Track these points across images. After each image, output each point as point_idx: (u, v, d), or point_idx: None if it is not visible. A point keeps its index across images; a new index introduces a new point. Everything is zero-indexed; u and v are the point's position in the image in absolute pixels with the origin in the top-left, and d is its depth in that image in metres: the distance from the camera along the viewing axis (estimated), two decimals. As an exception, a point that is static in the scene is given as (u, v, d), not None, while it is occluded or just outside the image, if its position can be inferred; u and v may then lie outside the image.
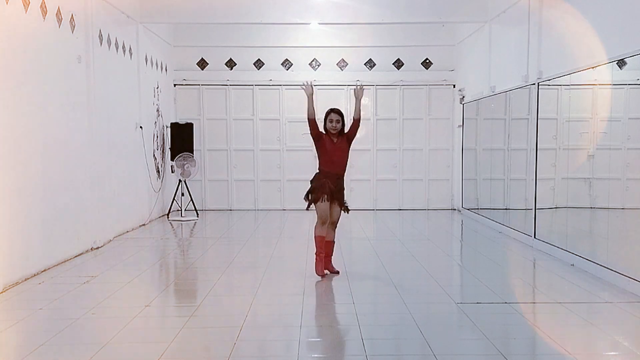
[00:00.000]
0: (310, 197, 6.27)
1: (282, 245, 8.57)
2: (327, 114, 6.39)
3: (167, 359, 3.95)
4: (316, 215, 6.32)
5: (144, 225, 10.20)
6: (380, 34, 12.22)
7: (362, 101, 6.48)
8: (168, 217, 11.23)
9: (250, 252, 8.04)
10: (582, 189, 7.02)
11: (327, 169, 6.28)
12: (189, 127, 11.50)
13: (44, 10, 6.70)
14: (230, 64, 12.56)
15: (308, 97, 6.30)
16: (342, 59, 12.58)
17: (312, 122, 6.27)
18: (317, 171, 6.39)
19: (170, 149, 11.40)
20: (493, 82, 9.94)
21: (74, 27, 7.49)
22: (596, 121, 6.77)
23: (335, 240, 6.45)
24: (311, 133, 6.31)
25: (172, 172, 11.26)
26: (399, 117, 12.53)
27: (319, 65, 12.57)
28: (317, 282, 6.12)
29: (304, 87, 6.37)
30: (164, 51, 11.75)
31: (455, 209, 12.48)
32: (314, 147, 6.37)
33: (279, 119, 12.54)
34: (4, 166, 5.82)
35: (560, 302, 5.28)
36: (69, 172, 7.29)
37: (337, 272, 6.37)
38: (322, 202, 6.19)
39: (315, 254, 6.30)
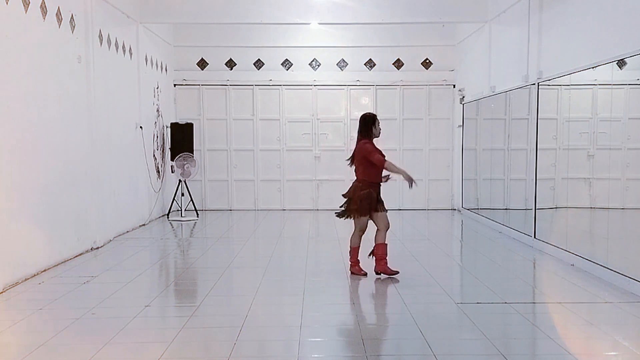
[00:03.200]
0: (354, 208, 6.15)
1: (282, 245, 8.57)
2: (375, 118, 6.25)
3: (167, 359, 3.95)
4: (376, 223, 6.24)
5: (144, 225, 10.20)
6: (380, 34, 12.22)
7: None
8: (168, 217, 11.23)
9: (250, 252, 8.04)
10: (582, 189, 7.02)
11: (374, 180, 6.19)
12: (189, 127, 11.50)
13: (44, 10, 6.70)
14: (230, 64, 12.56)
15: (403, 174, 6.12)
16: (342, 59, 12.58)
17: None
18: (357, 183, 6.18)
19: (170, 149, 11.40)
20: (493, 82, 9.94)
21: (74, 27, 7.49)
22: (596, 121, 6.77)
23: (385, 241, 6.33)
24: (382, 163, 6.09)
25: (172, 172, 11.26)
26: (399, 117, 12.52)
27: (319, 65, 12.57)
28: (317, 282, 6.12)
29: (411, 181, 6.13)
30: (164, 51, 11.75)
31: (455, 209, 12.48)
32: (373, 156, 6.05)
33: (279, 119, 12.54)
34: (4, 166, 5.82)
35: (560, 302, 5.28)
36: (69, 172, 7.29)
37: (396, 272, 6.23)
38: (364, 215, 6.18)
39: (354, 263, 6.33)
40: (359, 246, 6.37)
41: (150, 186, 10.64)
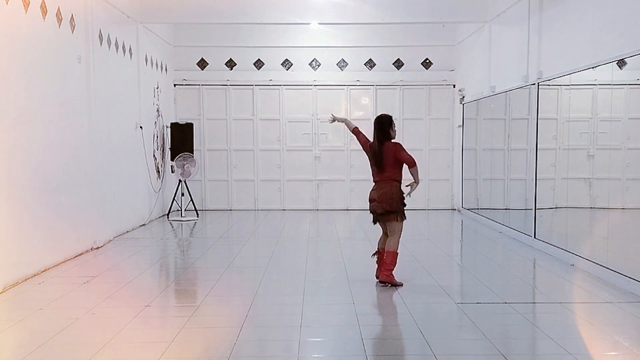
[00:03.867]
0: (397, 214, 5.97)
1: (282, 245, 8.57)
2: (391, 120, 6.05)
3: (167, 359, 3.95)
4: (395, 230, 6.03)
5: (144, 225, 10.20)
6: (380, 34, 12.21)
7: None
8: (168, 217, 11.23)
9: (250, 252, 8.04)
10: (582, 189, 7.02)
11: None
12: (189, 127, 11.50)
13: (44, 10, 6.70)
14: (230, 64, 12.56)
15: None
16: (342, 59, 12.58)
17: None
18: (397, 183, 5.95)
19: (170, 149, 11.40)
20: (493, 82, 9.94)
21: (74, 27, 7.49)
22: (596, 121, 6.77)
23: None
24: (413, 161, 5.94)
25: (172, 172, 11.27)
26: (399, 117, 12.50)
27: (319, 65, 12.57)
28: (317, 282, 6.12)
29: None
30: (164, 51, 11.75)
31: (455, 209, 12.48)
32: (406, 156, 5.90)
33: (279, 119, 12.54)
34: (4, 166, 5.82)
35: (560, 302, 5.28)
36: (69, 172, 7.29)
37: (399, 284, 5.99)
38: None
39: (391, 270, 5.96)
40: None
41: (150, 186, 10.64)
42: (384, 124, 6.00)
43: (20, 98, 6.16)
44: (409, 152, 5.94)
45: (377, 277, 6.06)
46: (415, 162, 5.92)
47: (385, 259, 5.97)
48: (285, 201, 12.66)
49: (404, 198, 5.97)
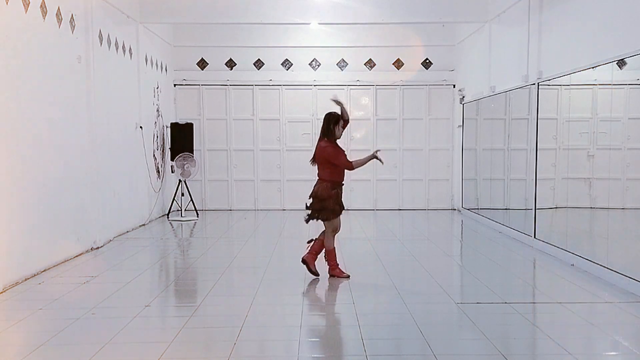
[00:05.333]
0: (321, 213, 6.14)
1: (282, 245, 8.57)
2: (338, 119, 6.11)
3: (167, 359, 3.95)
4: (326, 228, 6.26)
5: (144, 225, 10.20)
6: (380, 34, 12.22)
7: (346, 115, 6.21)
8: (168, 217, 11.23)
9: (250, 252, 8.04)
10: (582, 189, 7.02)
11: (340, 180, 6.18)
12: (189, 127, 11.51)
13: (44, 10, 6.70)
14: (230, 64, 12.56)
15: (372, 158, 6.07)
16: (342, 59, 12.58)
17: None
18: (325, 183, 6.11)
19: (170, 149, 11.40)
20: (493, 82, 9.94)
21: (74, 27, 7.49)
22: (596, 121, 6.77)
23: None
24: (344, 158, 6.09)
25: (172, 172, 11.27)
26: (399, 117, 12.53)
27: (319, 65, 12.57)
28: (317, 282, 6.12)
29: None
30: (164, 51, 11.75)
31: (455, 209, 12.48)
32: (338, 160, 6.08)
33: (279, 119, 12.54)
34: (4, 166, 5.82)
35: (560, 302, 5.28)
36: (69, 172, 7.29)
37: (318, 274, 6.24)
38: (337, 216, 6.16)
39: (334, 266, 6.25)
40: (335, 247, 6.32)
41: (150, 186, 10.64)
42: (330, 121, 6.13)
43: (20, 98, 6.16)
44: (342, 153, 6.06)
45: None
46: (350, 166, 6.05)
47: (325, 255, 6.26)
48: (285, 201, 12.65)
49: (329, 199, 6.06)
